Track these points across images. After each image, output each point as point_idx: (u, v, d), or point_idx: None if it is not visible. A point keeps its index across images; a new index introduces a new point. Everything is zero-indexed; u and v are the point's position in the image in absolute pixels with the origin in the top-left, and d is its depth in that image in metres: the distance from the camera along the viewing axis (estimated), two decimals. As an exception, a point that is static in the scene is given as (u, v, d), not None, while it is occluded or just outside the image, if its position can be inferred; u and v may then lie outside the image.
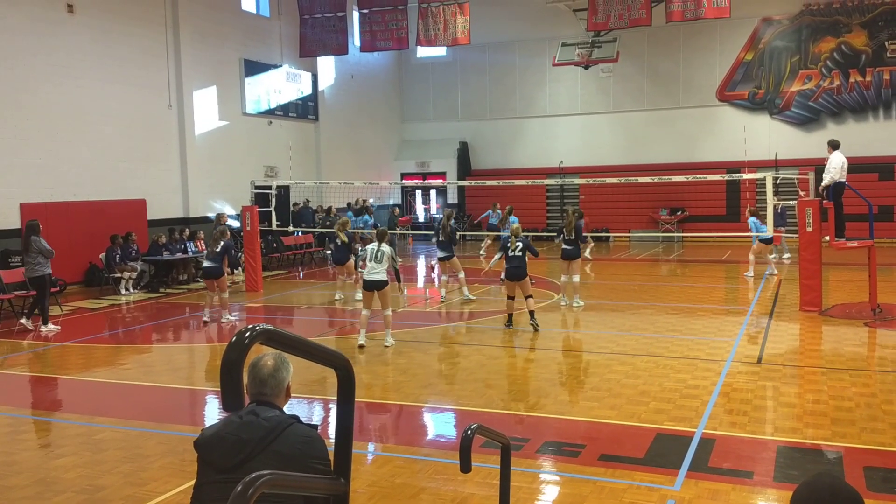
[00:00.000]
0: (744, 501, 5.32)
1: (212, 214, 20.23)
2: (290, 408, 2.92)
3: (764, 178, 15.03)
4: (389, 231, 12.16)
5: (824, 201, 12.50)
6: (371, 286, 10.33)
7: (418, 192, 31.66)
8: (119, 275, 16.57)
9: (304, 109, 25.56)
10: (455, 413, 7.75)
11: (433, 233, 16.86)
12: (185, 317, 13.97)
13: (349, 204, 24.35)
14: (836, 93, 25.72)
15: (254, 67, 23.11)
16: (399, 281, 11.30)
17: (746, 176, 19.31)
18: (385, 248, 10.39)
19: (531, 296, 11.55)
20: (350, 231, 15.06)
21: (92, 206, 17.53)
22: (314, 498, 2.60)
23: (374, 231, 12.31)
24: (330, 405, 7.90)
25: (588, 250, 20.98)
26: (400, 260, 12.29)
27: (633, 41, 26.28)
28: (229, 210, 20.72)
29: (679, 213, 26.87)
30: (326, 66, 26.55)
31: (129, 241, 17.17)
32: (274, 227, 18.82)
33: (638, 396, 7.87)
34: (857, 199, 12.88)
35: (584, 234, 14.20)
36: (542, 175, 28.30)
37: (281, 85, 24.36)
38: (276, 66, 24.06)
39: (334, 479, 2.64)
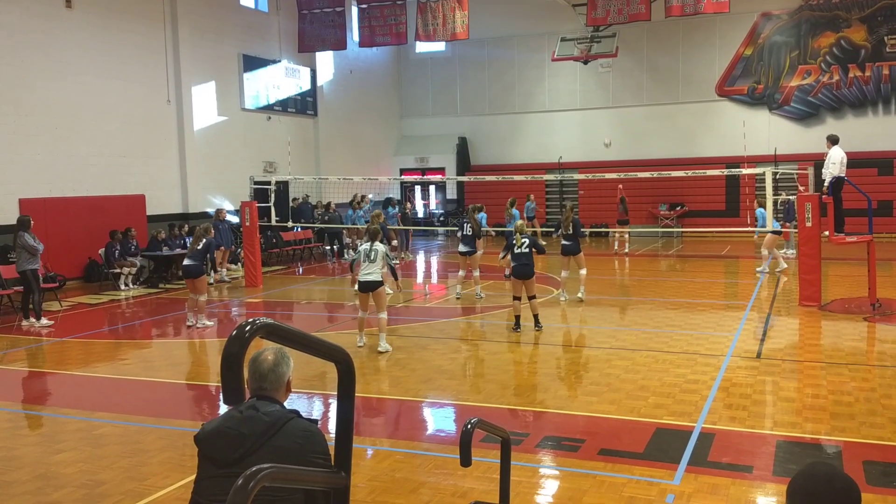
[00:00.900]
0: (743, 495, 5.33)
1: (211, 210, 20.22)
2: (290, 403, 2.92)
3: (763, 174, 15.03)
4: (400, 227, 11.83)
5: (824, 196, 12.50)
6: (366, 287, 9.94)
7: (417, 188, 31.64)
8: (118, 270, 16.57)
9: (303, 105, 25.52)
10: (455, 408, 7.75)
11: (456, 228, 16.33)
12: (184, 312, 13.92)
13: (361, 199, 24.21)
14: (836, 88, 25.70)
15: (252, 63, 23.08)
16: (397, 279, 10.89)
17: (746, 171, 19.30)
18: (378, 247, 10.00)
19: (535, 296, 11.17)
20: (383, 224, 14.36)
21: (91, 202, 17.52)
22: (314, 493, 2.60)
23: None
24: (330, 400, 7.90)
25: (627, 247, 21.22)
26: (397, 261, 12.09)
27: (633, 36, 26.24)
28: (228, 205, 20.70)
29: (678, 209, 26.87)
30: (325, 61, 26.51)
31: (128, 236, 17.17)
32: (273, 222, 18.82)
33: (637, 391, 7.88)
34: (857, 194, 12.88)
35: (583, 230, 14.04)
36: (542, 170, 28.25)
37: (280, 80, 24.33)
38: (274, 62, 24.03)
39: (335, 473, 2.64)
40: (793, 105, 26.27)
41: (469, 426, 3.49)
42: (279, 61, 24.23)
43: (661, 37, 27.22)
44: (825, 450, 6.23)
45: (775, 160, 24.93)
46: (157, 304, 14.77)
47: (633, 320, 12.05)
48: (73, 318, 13.37)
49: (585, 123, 28.86)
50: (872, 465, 5.81)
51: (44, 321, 12.51)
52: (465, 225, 14.36)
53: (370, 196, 24.41)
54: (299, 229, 21.77)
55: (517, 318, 11.14)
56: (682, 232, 26.25)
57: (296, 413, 2.75)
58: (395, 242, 20.28)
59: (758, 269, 16.68)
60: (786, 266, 16.40)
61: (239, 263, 18.85)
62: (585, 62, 24.08)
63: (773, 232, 15.78)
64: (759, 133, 26.08)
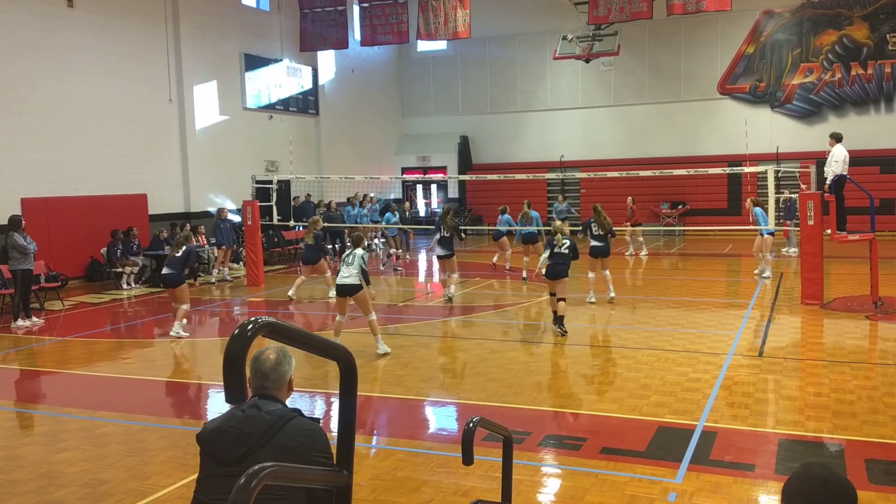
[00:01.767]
0: (745, 494, 5.32)
1: (213, 209, 20.23)
2: (291, 401, 2.93)
3: (765, 172, 14.99)
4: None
5: (826, 194, 12.48)
6: (343, 291, 9.77)
7: (419, 187, 31.63)
8: (120, 269, 16.58)
9: (305, 104, 25.52)
10: (457, 406, 7.75)
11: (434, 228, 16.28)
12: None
13: (375, 198, 24.15)
14: (838, 86, 25.66)
15: (254, 62, 23.08)
16: (367, 284, 9.92)
17: (748, 169, 19.26)
18: (357, 251, 9.85)
19: (564, 299, 10.78)
20: (319, 231, 14.49)
21: (93, 201, 17.53)
22: (316, 491, 2.61)
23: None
24: (332, 399, 7.91)
25: (643, 251, 20.56)
26: (401, 269, 11.90)
27: (634, 34, 26.22)
28: (230, 205, 20.72)
29: (680, 207, 26.84)
30: (327, 60, 26.50)
31: (130, 235, 17.18)
32: (275, 221, 18.83)
33: (639, 390, 7.88)
34: (859, 192, 12.85)
35: (614, 230, 13.73)
36: (544, 169, 28.22)
37: (281, 79, 24.33)
38: (276, 61, 24.03)
39: (337, 472, 2.64)
40: (795, 103, 26.23)
41: (471, 425, 3.49)
42: (281, 60, 24.23)
43: (662, 35, 27.19)
44: (827, 448, 6.23)
45: (777, 158, 24.88)
46: (159, 304, 14.77)
47: (634, 319, 12.04)
48: (75, 318, 13.38)
49: (587, 122, 28.84)
50: (875, 463, 5.80)
51: (20, 322, 12.36)
52: (440, 227, 13.97)
53: (372, 195, 24.42)
54: (301, 228, 21.75)
55: (555, 314, 10.75)
56: (684, 230, 26.23)
57: (297, 412, 2.75)
58: (393, 250, 19.99)
59: (755, 272, 15.93)
60: (769, 276, 15.53)
61: (241, 262, 18.86)
62: (587, 60, 24.06)
63: (768, 235, 15.28)
64: (762, 131, 26.02)
